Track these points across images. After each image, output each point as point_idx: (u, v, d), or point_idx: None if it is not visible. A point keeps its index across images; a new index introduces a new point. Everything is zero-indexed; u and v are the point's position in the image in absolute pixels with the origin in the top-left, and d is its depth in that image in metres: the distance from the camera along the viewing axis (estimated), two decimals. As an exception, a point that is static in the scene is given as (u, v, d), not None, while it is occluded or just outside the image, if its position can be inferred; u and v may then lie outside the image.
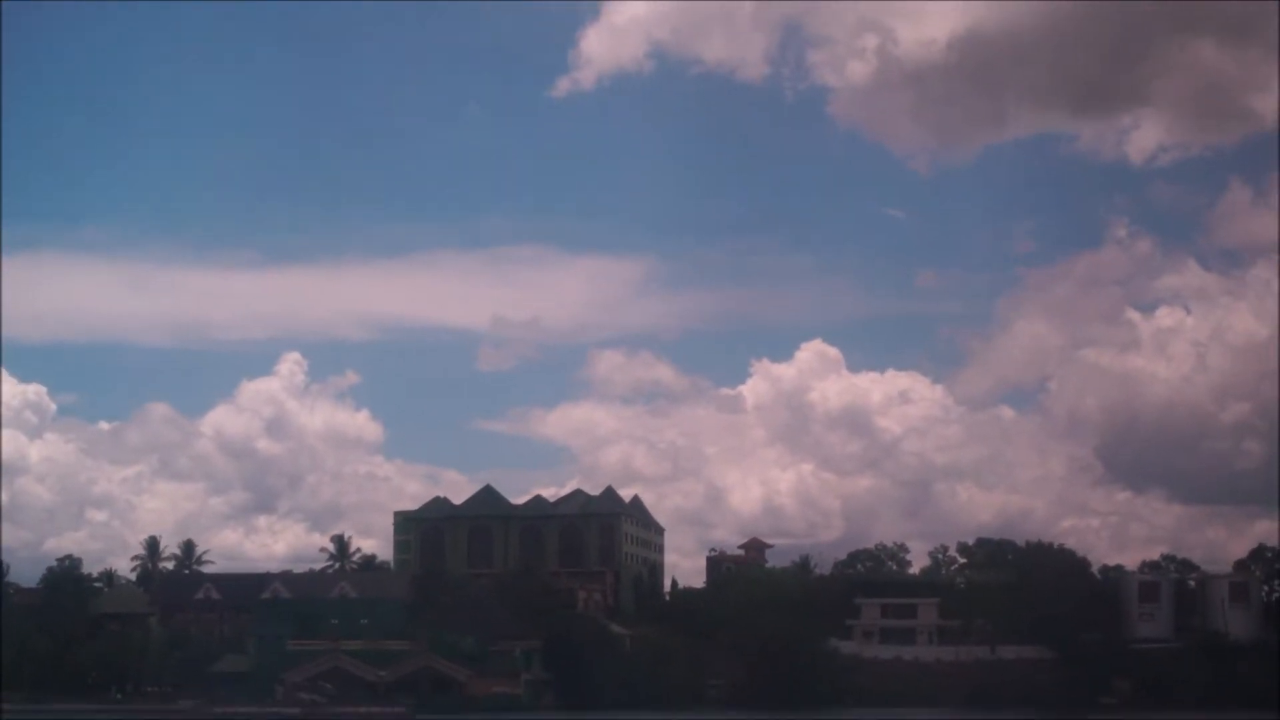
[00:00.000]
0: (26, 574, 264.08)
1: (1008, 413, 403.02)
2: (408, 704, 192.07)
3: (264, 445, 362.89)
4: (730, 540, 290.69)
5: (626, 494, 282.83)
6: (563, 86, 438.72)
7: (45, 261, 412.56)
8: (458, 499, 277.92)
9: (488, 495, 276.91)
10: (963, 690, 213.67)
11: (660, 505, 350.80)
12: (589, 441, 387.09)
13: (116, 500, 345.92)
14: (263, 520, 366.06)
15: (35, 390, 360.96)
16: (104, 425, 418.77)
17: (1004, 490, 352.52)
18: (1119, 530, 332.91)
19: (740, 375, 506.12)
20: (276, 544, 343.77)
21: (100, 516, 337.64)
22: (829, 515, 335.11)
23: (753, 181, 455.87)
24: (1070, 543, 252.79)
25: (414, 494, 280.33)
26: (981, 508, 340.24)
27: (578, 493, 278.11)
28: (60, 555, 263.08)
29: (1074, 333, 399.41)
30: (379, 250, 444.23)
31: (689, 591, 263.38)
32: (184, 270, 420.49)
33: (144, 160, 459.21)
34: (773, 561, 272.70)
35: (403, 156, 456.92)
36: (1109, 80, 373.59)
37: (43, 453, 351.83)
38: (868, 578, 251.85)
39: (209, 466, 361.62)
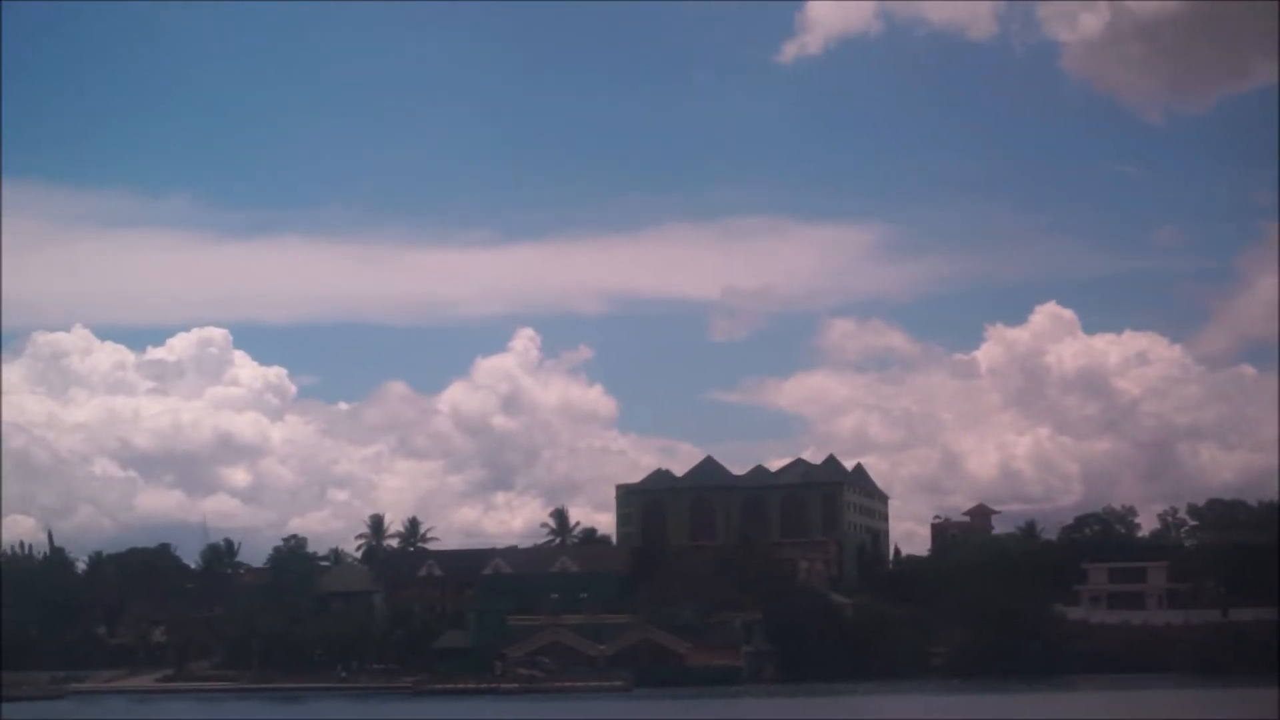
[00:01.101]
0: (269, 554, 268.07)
1: (1249, 371, 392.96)
2: (626, 677, 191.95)
3: (500, 422, 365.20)
4: (965, 506, 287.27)
5: (858, 463, 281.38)
6: (790, 51, 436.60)
7: (287, 245, 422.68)
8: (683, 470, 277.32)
9: (709, 466, 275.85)
10: (1193, 655, 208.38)
11: (895, 473, 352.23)
12: (822, 410, 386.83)
13: (357, 479, 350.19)
14: (500, 497, 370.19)
15: (276, 373, 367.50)
16: (343, 405, 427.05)
17: (1247, 450, 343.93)
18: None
19: (974, 340, 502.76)
20: (514, 520, 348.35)
21: (341, 496, 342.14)
22: (1067, 479, 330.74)
23: (983, 142, 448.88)
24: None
25: (648, 467, 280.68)
26: (1224, 468, 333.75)
27: (799, 462, 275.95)
28: (287, 535, 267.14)
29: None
30: (610, 225, 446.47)
31: (912, 560, 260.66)
32: (419, 249, 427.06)
33: (381, 142, 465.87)
34: (1007, 527, 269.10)
35: (632, 128, 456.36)
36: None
37: (284, 434, 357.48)
38: (1095, 541, 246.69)
39: (446, 444, 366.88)
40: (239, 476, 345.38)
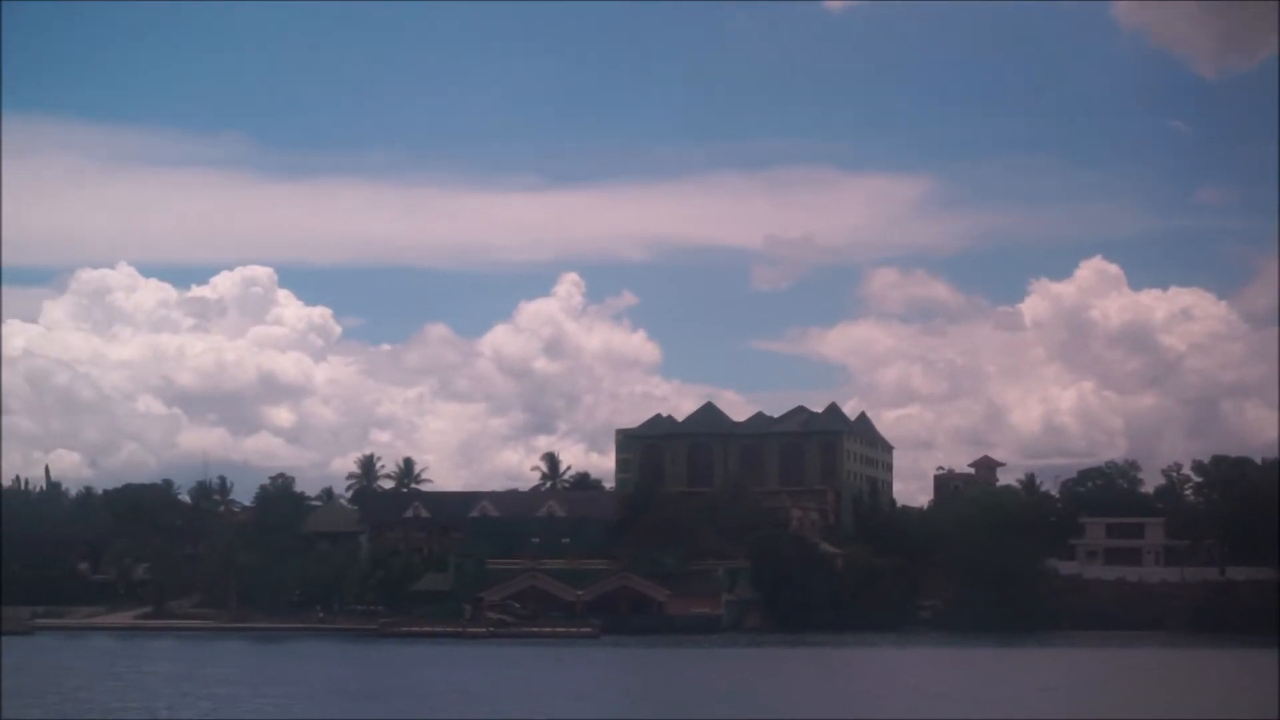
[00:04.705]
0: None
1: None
2: (596, 623, 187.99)
3: (542, 366, 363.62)
4: (1010, 460, 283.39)
5: (861, 412, 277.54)
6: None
7: (334, 187, 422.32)
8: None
9: (708, 412, 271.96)
10: (1188, 613, 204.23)
11: (939, 425, 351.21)
12: (865, 361, 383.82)
13: (399, 421, 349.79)
14: (542, 440, 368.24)
15: (320, 313, 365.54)
16: (385, 347, 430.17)
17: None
18: None
19: (1018, 293, 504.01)
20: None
21: (384, 437, 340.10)
22: (1111, 434, 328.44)
23: (1033, 95, 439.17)
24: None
25: (689, 413, 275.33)
26: (1269, 426, 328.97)
27: (800, 409, 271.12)
28: (274, 474, 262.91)
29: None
30: (656, 172, 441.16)
31: (907, 511, 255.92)
32: (464, 193, 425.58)
33: (428, 85, 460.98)
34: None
35: (678, 75, 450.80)
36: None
37: (327, 374, 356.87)
38: (1096, 496, 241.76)
39: (489, 387, 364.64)
40: (282, 416, 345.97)
